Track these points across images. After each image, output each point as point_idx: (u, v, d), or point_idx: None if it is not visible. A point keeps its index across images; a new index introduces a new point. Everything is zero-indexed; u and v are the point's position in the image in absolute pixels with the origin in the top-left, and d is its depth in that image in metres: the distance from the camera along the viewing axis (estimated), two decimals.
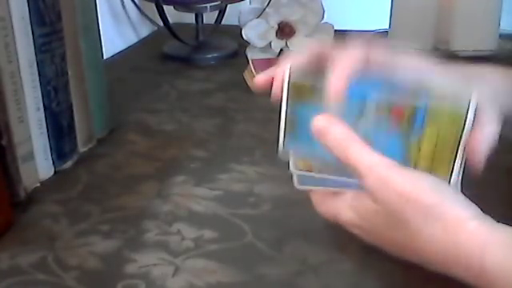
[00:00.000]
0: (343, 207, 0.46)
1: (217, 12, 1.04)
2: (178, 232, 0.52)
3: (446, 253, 0.40)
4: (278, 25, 0.92)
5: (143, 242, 0.51)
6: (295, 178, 0.48)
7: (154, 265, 0.48)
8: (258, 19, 0.92)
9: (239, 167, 0.63)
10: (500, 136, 0.44)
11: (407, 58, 0.47)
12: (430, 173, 0.43)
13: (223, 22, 1.06)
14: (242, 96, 0.81)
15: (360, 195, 0.44)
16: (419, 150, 0.44)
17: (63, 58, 0.60)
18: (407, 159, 0.44)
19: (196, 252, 0.50)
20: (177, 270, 0.47)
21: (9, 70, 0.54)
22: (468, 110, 0.42)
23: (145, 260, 0.49)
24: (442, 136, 0.44)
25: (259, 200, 0.57)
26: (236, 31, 0.94)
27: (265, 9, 0.92)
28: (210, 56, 0.97)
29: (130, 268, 0.48)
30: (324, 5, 0.92)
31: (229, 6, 1.02)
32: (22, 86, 0.56)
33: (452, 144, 0.43)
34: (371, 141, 0.43)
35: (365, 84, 0.45)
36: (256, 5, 0.94)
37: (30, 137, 0.57)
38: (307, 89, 0.46)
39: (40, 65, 0.57)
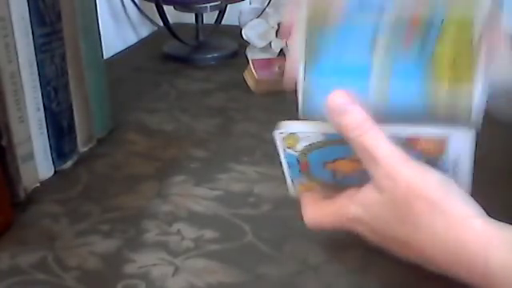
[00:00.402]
0: (346, 202, 0.45)
1: (217, 12, 1.04)
2: (178, 232, 0.52)
3: (448, 250, 0.40)
4: (278, 25, 0.92)
5: (143, 242, 0.51)
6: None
7: (154, 265, 0.48)
8: (258, 19, 0.92)
9: (239, 167, 0.63)
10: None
11: None
12: (454, 81, 0.42)
13: (223, 22, 1.06)
14: (241, 96, 0.81)
15: (363, 189, 0.44)
16: (439, 58, 0.42)
17: (63, 58, 0.60)
18: (428, 71, 0.42)
19: (196, 252, 0.50)
20: (177, 270, 0.47)
21: (9, 70, 0.54)
22: (480, 12, 0.41)
23: (145, 260, 0.49)
24: (459, 38, 0.42)
25: (259, 200, 0.57)
26: (236, 31, 0.94)
27: (265, 9, 0.92)
28: (209, 56, 0.97)
29: (130, 268, 0.48)
30: None
31: (229, 6, 1.02)
32: (22, 86, 0.56)
33: (469, 50, 0.42)
34: (389, 57, 0.42)
35: None
36: (256, 5, 0.94)
37: (29, 137, 0.57)
38: (325, 9, 0.44)
39: (40, 65, 0.57)
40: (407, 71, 0.43)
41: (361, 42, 0.44)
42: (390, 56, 0.43)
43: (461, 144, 0.42)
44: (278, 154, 0.46)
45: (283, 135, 0.45)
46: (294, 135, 0.45)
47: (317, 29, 0.44)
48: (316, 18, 0.44)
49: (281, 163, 0.47)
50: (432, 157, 0.43)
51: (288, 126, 0.45)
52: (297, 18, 0.45)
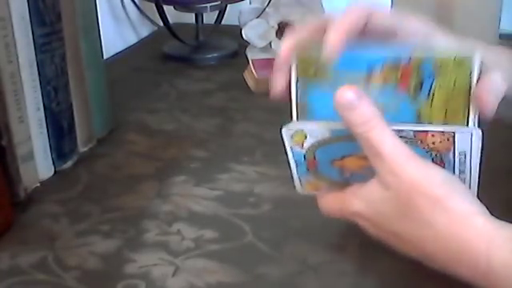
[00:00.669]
0: (350, 198, 0.45)
1: (217, 12, 1.04)
2: (178, 232, 0.52)
3: (450, 248, 0.40)
4: (278, 25, 0.92)
5: (143, 242, 0.51)
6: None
7: (154, 265, 0.48)
8: (258, 19, 0.92)
9: (239, 167, 0.63)
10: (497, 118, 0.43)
11: (409, 21, 0.47)
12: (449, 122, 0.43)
13: (223, 22, 1.06)
14: (241, 96, 0.81)
15: (368, 184, 0.44)
16: (431, 107, 0.43)
17: (63, 58, 0.60)
18: (420, 120, 0.44)
19: (196, 252, 0.50)
20: (177, 270, 0.47)
21: (9, 70, 0.54)
22: (474, 56, 0.42)
23: (145, 260, 0.49)
24: (451, 88, 0.43)
25: (259, 200, 0.57)
26: (236, 31, 0.94)
27: (265, 9, 0.92)
28: (210, 56, 0.97)
29: (130, 268, 0.48)
30: (324, 5, 0.92)
31: (229, 5, 1.02)
32: (22, 86, 0.56)
33: (462, 95, 0.43)
34: (382, 108, 0.43)
35: (367, 49, 0.44)
36: (256, 5, 0.94)
37: (29, 137, 0.57)
38: (314, 63, 0.45)
39: (40, 65, 0.57)
40: (398, 120, 0.43)
41: None
42: (380, 106, 0.43)
43: (468, 142, 0.42)
44: (285, 152, 0.47)
45: (291, 132, 0.45)
46: (301, 132, 0.45)
47: (306, 80, 0.46)
48: (305, 71, 0.46)
49: (288, 161, 0.47)
50: (439, 153, 0.43)
51: (295, 123, 0.45)
52: (290, 56, 0.46)
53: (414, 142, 0.43)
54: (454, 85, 0.43)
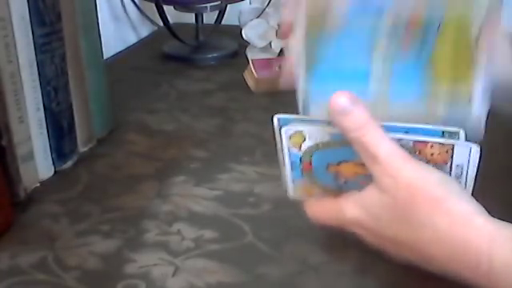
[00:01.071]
0: (346, 204, 0.45)
1: (217, 12, 1.04)
2: (178, 232, 0.52)
3: (451, 249, 0.39)
4: (278, 25, 0.92)
5: (143, 242, 0.51)
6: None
7: (154, 265, 0.48)
8: (258, 19, 0.92)
9: (239, 167, 0.63)
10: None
11: None
12: (453, 81, 0.42)
13: (223, 22, 1.06)
14: (241, 96, 0.81)
15: (364, 190, 0.44)
16: (438, 58, 0.43)
17: (63, 58, 0.60)
18: (427, 72, 0.43)
19: (196, 252, 0.50)
20: (177, 270, 0.47)
21: (9, 70, 0.54)
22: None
23: (145, 260, 0.49)
24: (458, 38, 0.42)
25: (259, 200, 0.57)
26: (236, 31, 0.94)
27: (265, 9, 0.92)
28: (210, 56, 0.97)
29: (130, 268, 0.48)
30: None
31: (229, 5, 1.02)
32: (22, 86, 0.56)
33: (469, 45, 0.42)
34: (388, 60, 0.42)
35: None
36: (256, 5, 0.94)
37: (29, 137, 0.57)
38: (324, 14, 0.44)
39: (40, 65, 0.57)
40: (406, 73, 0.43)
41: (360, 45, 0.44)
42: (389, 58, 0.43)
43: (466, 156, 0.42)
44: (282, 152, 0.46)
45: (290, 132, 0.45)
46: (300, 133, 0.45)
47: (316, 33, 0.45)
48: (316, 20, 0.44)
49: (282, 163, 0.47)
50: (436, 165, 0.43)
51: (295, 124, 0.45)
52: (296, 17, 0.45)
53: (412, 152, 0.43)
54: (459, 40, 0.42)
